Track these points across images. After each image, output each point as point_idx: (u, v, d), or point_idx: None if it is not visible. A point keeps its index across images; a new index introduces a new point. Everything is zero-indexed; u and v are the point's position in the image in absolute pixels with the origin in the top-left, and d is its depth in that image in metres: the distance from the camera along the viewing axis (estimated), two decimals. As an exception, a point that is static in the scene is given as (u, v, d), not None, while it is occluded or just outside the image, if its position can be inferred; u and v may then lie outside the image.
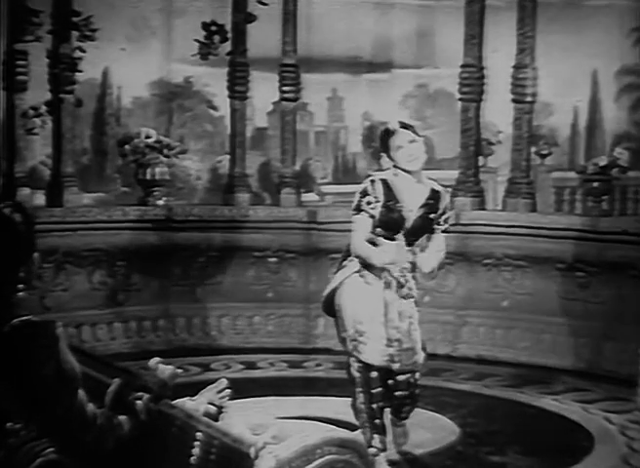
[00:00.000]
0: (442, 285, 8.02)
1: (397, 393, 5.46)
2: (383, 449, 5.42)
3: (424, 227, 5.37)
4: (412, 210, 5.31)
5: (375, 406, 5.37)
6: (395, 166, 5.31)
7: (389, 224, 5.30)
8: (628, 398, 6.72)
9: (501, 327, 8.20)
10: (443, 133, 11.37)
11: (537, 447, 6.07)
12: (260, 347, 8.33)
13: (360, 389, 5.38)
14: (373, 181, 5.31)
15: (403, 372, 5.40)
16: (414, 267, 5.37)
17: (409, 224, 5.31)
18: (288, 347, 8.33)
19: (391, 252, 5.27)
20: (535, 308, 8.03)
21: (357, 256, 5.33)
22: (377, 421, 5.39)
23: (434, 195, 5.38)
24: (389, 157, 5.32)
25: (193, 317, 8.53)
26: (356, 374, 5.39)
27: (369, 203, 5.26)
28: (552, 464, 5.86)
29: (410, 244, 5.35)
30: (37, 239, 2.90)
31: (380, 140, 5.41)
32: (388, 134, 5.32)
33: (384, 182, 5.30)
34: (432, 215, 5.36)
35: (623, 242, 7.64)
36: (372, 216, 5.26)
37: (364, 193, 5.29)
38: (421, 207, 5.33)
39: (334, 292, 5.47)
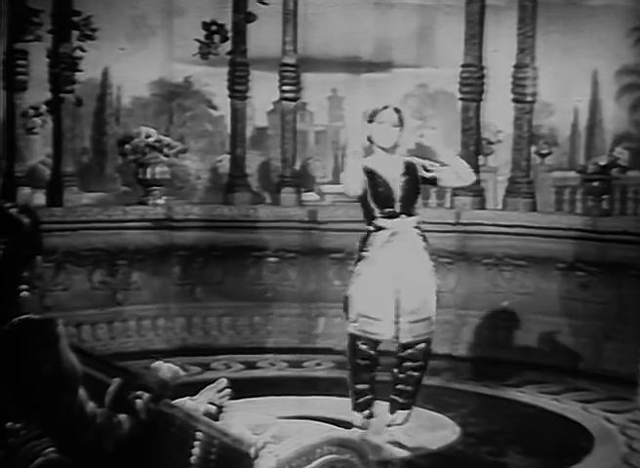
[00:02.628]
0: (442, 284, 8.00)
1: (408, 363, 5.78)
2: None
3: (414, 192, 5.82)
4: (395, 179, 5.76)
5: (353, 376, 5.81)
6: (370, 140, 5.84)
7: (381, 197, 5.74)
8: (628, 398, 6.72)
9: (502, 327, 8.19)
10: (443, 132, 11.36)
11: (537, 446, 6.07)
12: (259, 347, 8.33)
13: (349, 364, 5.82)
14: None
15: (418, 343, 5.76)
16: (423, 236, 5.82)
17: (398, 193, 5.75)
18: (288, 347, 8.33)
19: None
20: (535, 308, 8.03)
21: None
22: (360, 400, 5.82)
23: (409, 165, 5.83)
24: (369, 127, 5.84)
25: (193, 316, 8.53)
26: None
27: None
28: (552, 464, 5.86)
29: (408, 213, 5.77)
30: (42, 240, 2.93)
31: (371, 111, 5.86)
32: (381, 108, 5.81)
33: (366, 169, 5.76)
34: (415, 180, 5.82)
35: (624, 242, 7.63)
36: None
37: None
38: (403, 174, 5.79)
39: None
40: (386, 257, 5.70)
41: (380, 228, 5.72)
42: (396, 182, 5.76)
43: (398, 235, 5.72)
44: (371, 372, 5.82)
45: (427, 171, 5.79)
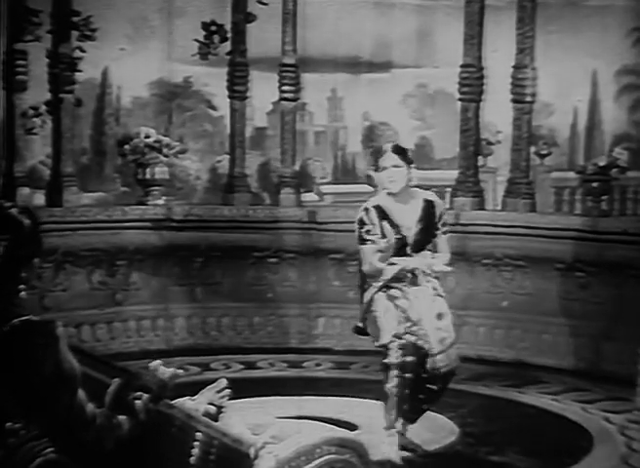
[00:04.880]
0: (442, 285, 7.99)
1: (432, 386, 5.76)
2: (402, 434, 5.70)
3: (427, 237, 5.78)
4: (410, 227, 5.72)
5: (407, 391, 5.64)
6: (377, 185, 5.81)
7: (395, 247, 5.69)
8: (628, 398, 6.73)
9: (501, 327, 8.20)
10: (442, 133, 11.37)
11: (536, 447, 6.07)
12: (259, 347, 8.33)
13: (396, 372, 5.62)
14: (367, 210, 5.74)
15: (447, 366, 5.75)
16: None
17: (411, 240, 5.72)
18: (288, 347, 8.33)
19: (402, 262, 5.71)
20: (534, 308, 8.03)
21: (374, 276, 5.73)
22: (405, 406, 5.66)
23: (428, 206, 5.79)
24: (376, 175, 5.77)
25: (193, 317, 8.53)
26: (394, 361, 5.63)
27: (368, 231, 5.69)
28: (552, 464, 5.86)
29: (418, 252, 5.76)
30: (42, 241, 2.93)
31: (374, 157, 5.88)
32: (378, 153, 5.80)
33: (378, 208, 5.73)
34: (431, 225, 5.79)
35: (623, 242, 7.64)
36: (374, 242, 5.66)
37: (361, 223, 5.73)
38: (419, 221, 5.75)
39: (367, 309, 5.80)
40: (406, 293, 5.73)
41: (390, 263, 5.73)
42: (410, 231, 5.74)
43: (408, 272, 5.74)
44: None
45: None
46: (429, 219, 5.77)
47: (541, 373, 7.65)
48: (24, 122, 8.51)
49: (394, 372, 5.65)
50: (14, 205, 2.90)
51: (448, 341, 5.75)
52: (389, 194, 5.73)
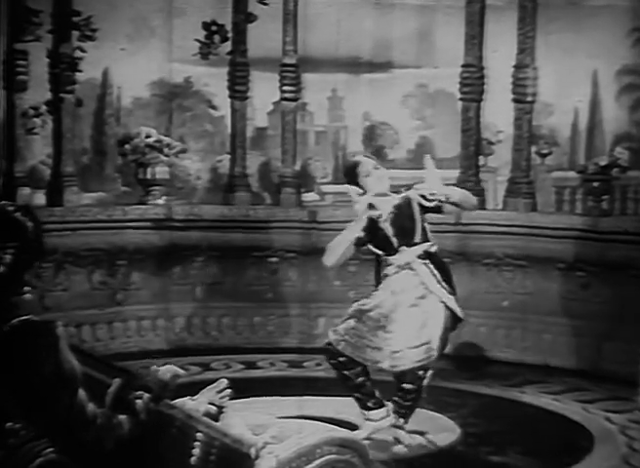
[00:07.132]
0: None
1: (404, 385, 5.69)
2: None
3: (411, 226, 5.75)
4: (385, 219, 5.75)
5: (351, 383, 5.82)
6: (364, 193, 5.74)
7: (379, 240, 5.75)
8: (629, 398, 6.72)
9: (502, 327, 8.20)
10: (443, 132, 11.34)
11: (537, 446, 6.07)
12: (260, 347, 8.33)
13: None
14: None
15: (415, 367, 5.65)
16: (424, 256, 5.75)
17: (391, 231, 5.72)
18: (288, 347, 8.33)
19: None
20: (535, 308, 8.03)
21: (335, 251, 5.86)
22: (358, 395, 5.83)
23: (403, 201, 5.78)
24: (358, 185, 5.74)
25: (193, 317, 8.53)
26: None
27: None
28: (553, 464, 5.86)
29: (410, 245, 5.72)
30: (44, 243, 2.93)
31: (347, 174, 5.88)
32: (355, 165, 5.82)
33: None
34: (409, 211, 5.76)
35: (624, 242, 7.64)
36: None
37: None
38: (390, 212, 5.75)
39: None
40: (387, 289, 5.75)
41: (386, 262, 5.79)
42: (386, 222, 5.76)
43: (402, 267, 5.74)
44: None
45: (428, 200, 5.72)
46: (406, 207, 5.75)
47: (542, 373, 7.65)
48: (25, 122, 8.51)
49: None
50: (17, 207, 2.89)
51: (415, 343, 5.67)
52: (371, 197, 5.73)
